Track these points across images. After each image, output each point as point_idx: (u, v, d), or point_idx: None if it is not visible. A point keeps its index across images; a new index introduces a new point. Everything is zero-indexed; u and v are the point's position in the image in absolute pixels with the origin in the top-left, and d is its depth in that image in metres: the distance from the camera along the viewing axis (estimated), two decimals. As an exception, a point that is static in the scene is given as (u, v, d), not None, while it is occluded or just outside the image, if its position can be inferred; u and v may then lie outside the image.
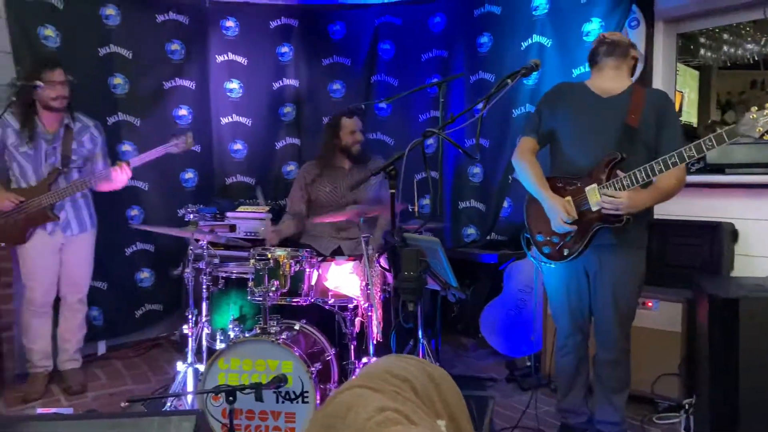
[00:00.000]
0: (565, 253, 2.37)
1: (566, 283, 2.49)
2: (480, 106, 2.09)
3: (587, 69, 3.33)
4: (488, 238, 3.90)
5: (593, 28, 3.34)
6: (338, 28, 4.25)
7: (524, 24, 3.69)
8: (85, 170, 3.26)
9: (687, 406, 2.63)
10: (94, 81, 3.74)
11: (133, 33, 3.89)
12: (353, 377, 0.88)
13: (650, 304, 2.95)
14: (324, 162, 3.51)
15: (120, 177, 3.17)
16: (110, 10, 3.78)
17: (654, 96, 2.36)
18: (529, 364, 3.39)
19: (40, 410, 2.71)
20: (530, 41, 3.65)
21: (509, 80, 2.05)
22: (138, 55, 3.92)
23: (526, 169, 2.44)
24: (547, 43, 3.58)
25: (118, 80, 3.86)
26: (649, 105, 2.29)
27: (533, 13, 3.64)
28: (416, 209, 3.22)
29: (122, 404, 2.68)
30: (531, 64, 2.11)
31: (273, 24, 4.24)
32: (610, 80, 2.39)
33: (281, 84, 4.33)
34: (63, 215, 3.18)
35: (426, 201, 4.05)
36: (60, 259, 3.25)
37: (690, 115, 5.14)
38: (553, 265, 2.46)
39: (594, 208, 2.26)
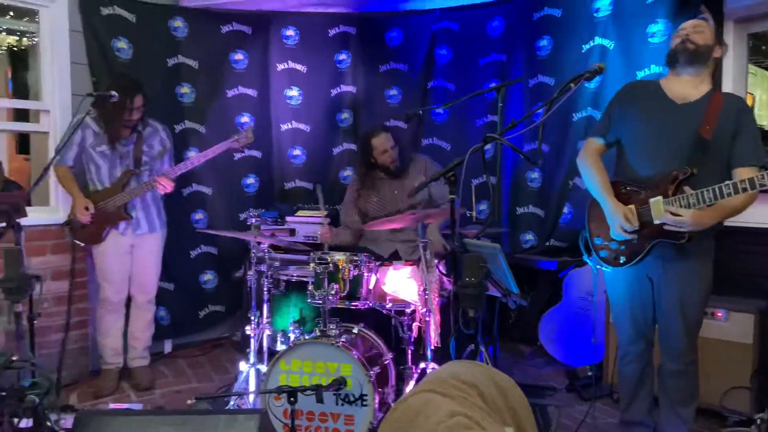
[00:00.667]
0: (621, 261, 2.32)
1: (628, 289, 2.42)
2: (541, 110, 2.07)
3: (652, 71, 3.25)
4: (547, 244, 3.84)
5: (659, 29, 3.24)
6: (395, 34, 4.28)
7: (585, 26, 3.61)
8: (154, 171, 3.41)
9: (759, 421, 2.50)
10: (163, 90, 3.91)
11: (200, 44, 4.05)
12: (420, 382, 0.90)
13: (720, 314, 2.83)
14: (363, 178, 3.56)
15: (164, 188, 3.28)
16: (178, 23, 3.95)
17: (731, 103, 2.23)
18: (590, 373, 3.31)
19: (112, 405, 2.85)
20: (592, 44, 3.58)
21: (572, 84, 2.03)
22: (204, 64, 4.08)
23: (591, 171, 2.40)
24: (610, 46, 3.50)
25: (185, 89, 4.03)
26: (725, 114, 2.18)
27: (595, 14, 3.57)
28: (474, 214, 3.23)
29: (189, 402, 2.79)
30: (595, 67, 2.08)
31: (332, 32, 4.32)
32: (687, 85, 2.27)
33: (339, 90, 4.40)
34: (134, 215, 3.33)
35: (483, 206, 4.03)
36: (130, 260, 3.42)
37: (762, 118, 4.92)
38: (609, 269, 2.41)
39: (656, 222, 2.18)
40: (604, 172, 2.39)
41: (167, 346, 4.02)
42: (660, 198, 2.17)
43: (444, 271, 2.85)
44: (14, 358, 1.82)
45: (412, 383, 2.74)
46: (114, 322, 3.42)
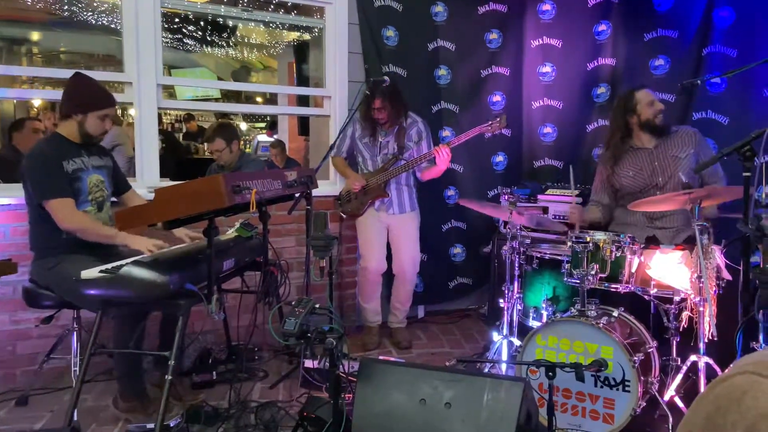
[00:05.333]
0: None
1: None
2: None
3: None
4: None
5: None
6: (665, -2, 3.92)
7: None
8: (410, 157, 3.65)
9: None
10: (422, 73, 4.16)
11: (457, 27, 4.21)
12: (737, 364, 0.84)
13: None
14: (618, 146, 3.30)
15: (441, 156, 3.45)
16: (439, 8, 4.15)
17: None
18: None
19: (381, 357, 3.19)
20: None
21: None
22: (460, 47, 4.23)
23: None
24: None
25: (442, 71, 4.23)
26: None
27: None
28: (764, 197, 2.83)
29: (447, 362, 3.00)
30: None
31: (591, 2, 4.12)
32: None
33: (596, 64, 4.19)
34: (390, 193, 3.64)
35: (769, 189, 3.49)
36: (388, 237, 3.73)
37: None
38: None
39: None
40: None
41: (420, 312, 4.34)
42: None
43: (723, 258, 2.56)
44: (317, 306, 2.16)
45: (679, 377, 2.56)
46: (373, 290, 3.77)
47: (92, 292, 2.26)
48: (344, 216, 3.80)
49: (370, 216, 3.68)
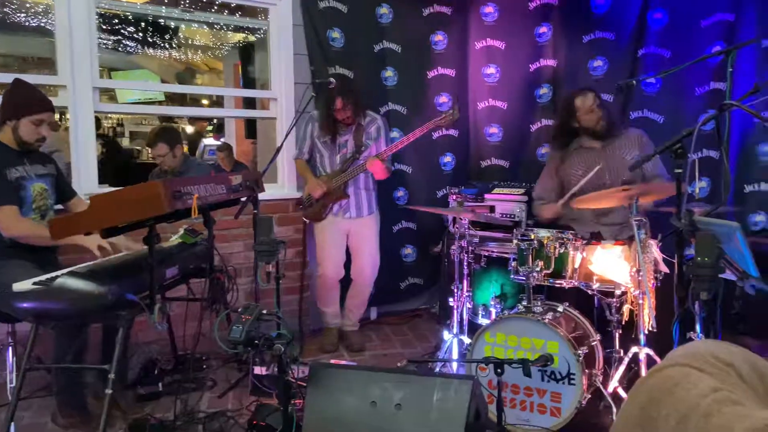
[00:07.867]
0: None
1: None
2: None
3: None
4: (783, 226, 3.38)
5: None
6: (602, 1, 4.03)
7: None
8: (370, 155, 3.62)
9: None
10: (369, 75, 4.15)
11: (402, 28, 4.22)
12: (671, 355, 0.88)
13: None
14: (564, 144, 3.38)
15: (373, 167, 3.43)
16: (384, 9, 4.16)
17: None
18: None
19: (333, 361, 3.17)
20: None
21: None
22: (406, 48, 4.24)
23: None
24: None
25: (389, 73, 4.24)
26: None
27: None
28: (696, 192, 2.96)
29: (399, 363, 3.01)
30: None
31: (532, 5, 4.22)
32: None
33: (538, 65, 4.29)
34: (350, 195, 3.61)
35: (703, 183, 3.65)
36: (347, 244, 3.70)
37: None
38: None
39: None
40: None
41: (373, 313, 4.33)
42: None
43: (660, 252, 2.66)
44: (264, 312, 2.12)
45: (621, 368, 2.64)
46: (331, 295, 3.74)
47: (25, 305, 2.15)
48: (307, 221, 3.75)
49: (329, 222, 3.63)
